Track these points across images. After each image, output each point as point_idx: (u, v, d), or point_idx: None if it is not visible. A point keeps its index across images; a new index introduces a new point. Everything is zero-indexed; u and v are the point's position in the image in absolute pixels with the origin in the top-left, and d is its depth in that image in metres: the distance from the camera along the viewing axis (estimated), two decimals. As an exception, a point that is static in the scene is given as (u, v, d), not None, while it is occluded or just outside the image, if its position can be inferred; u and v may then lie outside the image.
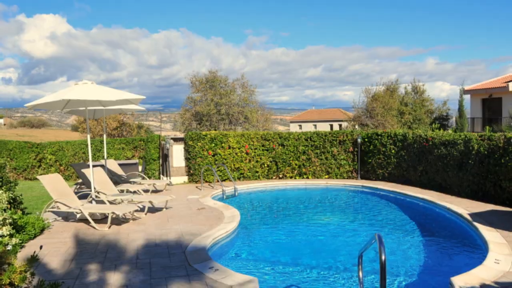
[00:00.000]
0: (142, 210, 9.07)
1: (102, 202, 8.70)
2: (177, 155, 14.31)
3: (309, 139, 14.55)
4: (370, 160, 13.91)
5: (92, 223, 7.58)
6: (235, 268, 5.70)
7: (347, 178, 14.35)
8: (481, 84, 27.19)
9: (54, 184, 8.20)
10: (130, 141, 16.58)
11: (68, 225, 7.83)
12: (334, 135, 14.49)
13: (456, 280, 4.77)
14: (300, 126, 66.75)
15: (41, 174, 14.05)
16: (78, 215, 8.14)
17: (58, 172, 15.90)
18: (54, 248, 6.26)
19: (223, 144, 14.05)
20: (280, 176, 14.61)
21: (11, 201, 7.43)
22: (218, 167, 13.82)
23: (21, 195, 8.13)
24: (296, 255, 6.80)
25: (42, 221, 7.29)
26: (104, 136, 11.00)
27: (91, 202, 8.48)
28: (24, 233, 6.58)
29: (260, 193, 12.93)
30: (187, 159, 14.17)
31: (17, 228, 6.50)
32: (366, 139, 14.05)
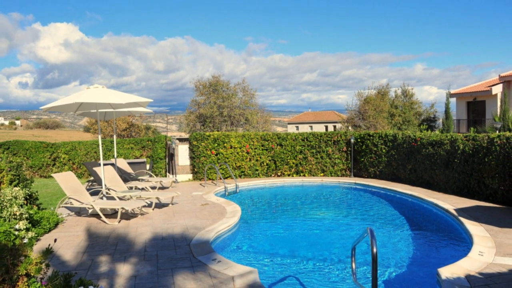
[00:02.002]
0: (149, 205, 9.08)
1: (112, 198, 8.70)
2: (182, 154, 14.32)
3: (305, 140, 14.55)
4: (362, 159, 13.91)
5: (103, 217, 7.59)
6: (236, 260, 5.71)
7: (341, 176, 14.35)
8: (466, 88, 27.20)
9: (67, 181, 8.20)
10: (139, 141, 16.57)
11: (80, 220, 7.84)
12: (329, 136, 14.49)
13: (443, 271, 4.77)
14: (297, 127, 66.70)
15: (55, 172, 14.07)
16: (90, 210, 8.15)
17: (71, 170, 15.91)
18: (68, 241, 6.26)
19: (225, 144, 14.05)
20: (279, 174, 14.61)
21: (28, 197, 7.43)
22: (220, 166, 13.82)
23: (36, 191, 8.13)
24: (293, 248, 6.79)
25: (56, 216, 7.29)
26: (114, 136, 11.00)
27: (102, 198, 8.48)
28: (39, 227, 6.59)
29: (260, 190, 12.92)
30: (191, 158, 14.17)
31: (33, 222, 6.51)
32: (358, 140, 14.05)
